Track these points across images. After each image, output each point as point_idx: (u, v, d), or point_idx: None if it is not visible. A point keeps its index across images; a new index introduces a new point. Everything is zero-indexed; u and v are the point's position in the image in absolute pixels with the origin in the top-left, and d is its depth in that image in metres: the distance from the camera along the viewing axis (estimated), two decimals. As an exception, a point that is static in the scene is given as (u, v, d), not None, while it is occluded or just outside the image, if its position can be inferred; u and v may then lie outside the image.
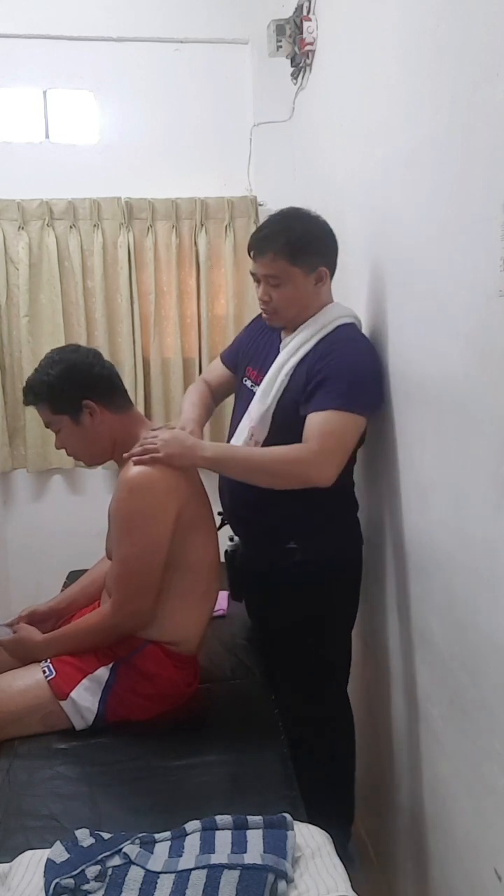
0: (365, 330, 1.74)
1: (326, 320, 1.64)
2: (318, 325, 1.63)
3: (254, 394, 1.70)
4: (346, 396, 1.54)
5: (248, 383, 1.76)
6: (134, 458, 1.54)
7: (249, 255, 1.65)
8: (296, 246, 1.59)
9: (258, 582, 1.80)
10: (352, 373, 1.57)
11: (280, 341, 1.71)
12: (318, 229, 1.66)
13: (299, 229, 1.63)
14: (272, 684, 1.74)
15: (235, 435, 1.74)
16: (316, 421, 1.54)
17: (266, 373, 1.67)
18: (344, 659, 1.82)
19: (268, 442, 1.65)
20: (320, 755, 1.74)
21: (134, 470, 1.52)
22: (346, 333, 1.64)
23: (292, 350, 1.64)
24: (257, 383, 1.71)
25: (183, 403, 1.87)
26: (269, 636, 1.87)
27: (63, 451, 1.68)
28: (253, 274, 1.68)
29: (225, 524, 1.82)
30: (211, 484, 1.74)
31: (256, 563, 1.76)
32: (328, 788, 1.71)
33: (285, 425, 1.61)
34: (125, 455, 1.56)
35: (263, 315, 1.70)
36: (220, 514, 1.81)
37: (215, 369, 1.98)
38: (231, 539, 1.82)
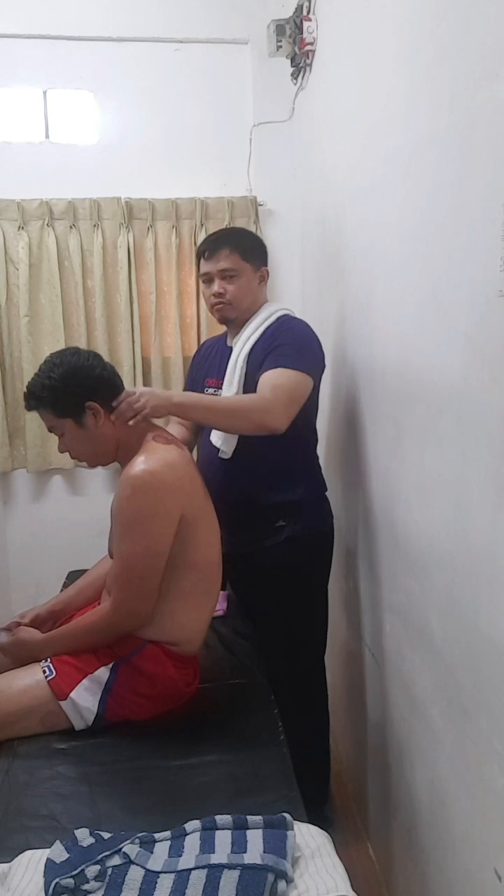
0: (364, 329, 1.77)
1: (268, 313, 1.88)
2: (262, 318, 1.86)
3: (219, 395, 1.86)
4: (292, 357, 1.75)
5: (211, 390, 1.93)
6: (131, 422, 1.60)
7: (202, 257, 1.87)
8: (245, 245, 1.87)
9: (242, 562, 1.91)
10: (297, 340, 1.81)
11: (229, 349, 1.90)
12: (258, 239, 1.99)
13: (246, 234, 2.00)
14: (272, 683, 1.74)
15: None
16: (267, 377, 1.73)
17: (225, 374, 1.85)
18: (322, 624, 2.02)
19: None
20: (298, 715, 1.82)
21: (137, 468, 1.52)
22: (288, 319, 1.89)
23: (244, 341, 1.85)
24: (220, 387, 1.87)
25: None
26: (253, 609, 2.02)
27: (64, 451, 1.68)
28: (205, 274, 1.88)
29: None
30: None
31: (244, 544, 1.87)
32: (306, 748, 1.74)
33: None
34: (114, 416, 1.61)
35: (216, 309, 1.89)
36: None
37: None
38: None
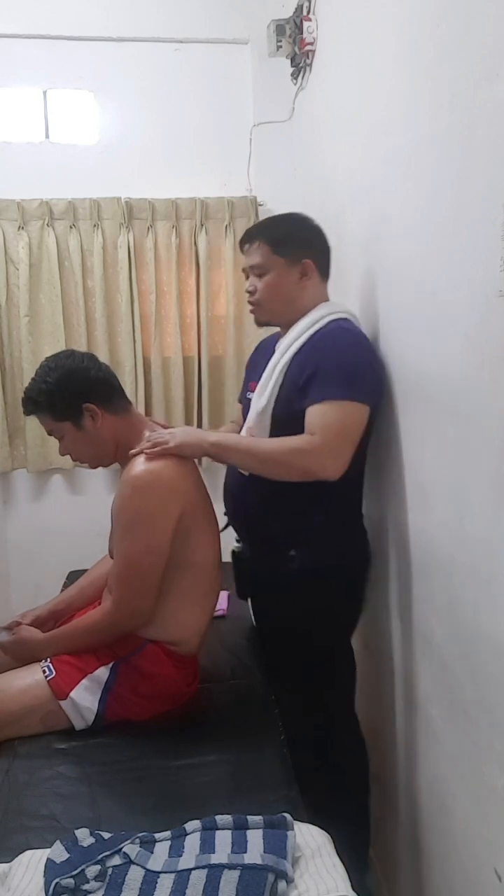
0: (364, 330, 1.73)
1: (318, 316, 1.61)
2: (310, 321, 1.61)
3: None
4: (341, 385, 1.50)
5: (251, 395, 1.71)
6: (145, 453, 1.52)
7: (242, 250, 1.70)
8: (277, 235, 1.63)
9: (260, 584, 1.78)
10: (343, 361, 1.53)
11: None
12: (304, 225, 1.69)
13: (283, 222, 1.71)
14: (272, 684, 1.74)
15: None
16: (315, 413, 1.50)
17: None
18: (346, 668, 1.77)
19: None
20: (326, 771, 1.69)
21: (138, 468, 1.52)
22: (338, 328, 1.60)
23: (285, 347, 1.61)
24: None
25: None
26: (269, 637, 1.86)
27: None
28: (243, 270, 1.70)
29: (228, 525, 1.80)
30: (216, 483, 1.75)
31: (258, 566, 1.74)
32: (338, 807, 1.55)
33: (285, 423, 1.57)
34: (131, 452, 1.56)
35: (249, 309, 1.70)
36: (225, 514, 1.79)
37: (235, 411, 2.03)
38: (238, 540, 1.80)
